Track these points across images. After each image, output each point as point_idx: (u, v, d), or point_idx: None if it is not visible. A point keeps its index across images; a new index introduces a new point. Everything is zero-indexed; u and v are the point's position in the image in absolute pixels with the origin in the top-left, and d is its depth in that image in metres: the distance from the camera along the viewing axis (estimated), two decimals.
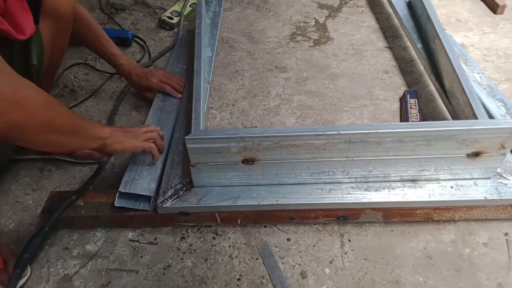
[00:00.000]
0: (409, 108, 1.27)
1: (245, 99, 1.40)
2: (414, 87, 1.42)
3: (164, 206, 0.93)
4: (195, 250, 0.95)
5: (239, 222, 0.98)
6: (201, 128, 0.90)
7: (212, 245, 0.96)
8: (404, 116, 1.28)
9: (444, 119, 1.29)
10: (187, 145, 0.86)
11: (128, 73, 1.24)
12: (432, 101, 1.36)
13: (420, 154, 0.89)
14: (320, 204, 0.92)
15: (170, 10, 1.76)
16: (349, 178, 0.94)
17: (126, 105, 1.36)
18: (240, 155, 0.89)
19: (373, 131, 0.84)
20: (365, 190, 0.94)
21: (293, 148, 0.87)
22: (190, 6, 1.80)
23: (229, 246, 0.96)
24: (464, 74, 1.11)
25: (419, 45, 1.41)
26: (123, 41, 1.56)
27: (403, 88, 1.43)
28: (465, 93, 1.05)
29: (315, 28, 1.75)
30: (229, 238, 0.98)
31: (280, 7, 1.90)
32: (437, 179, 0.95)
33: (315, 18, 1.81)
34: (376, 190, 0.94)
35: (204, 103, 1.12)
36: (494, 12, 1.82)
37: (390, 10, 1.82)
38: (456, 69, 1.13)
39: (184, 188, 0.96)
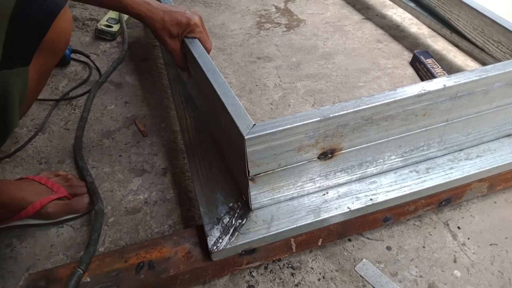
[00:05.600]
0: (430, 68, 1.12)
1: (241, 97, 1.14)
2: (416, 49, 1.28)
3: (220, 249, 0.63)
4: None
5: (319, 244, 0.71)
6: (252, 123, 0.62)
7: (296, 285, 0.68)
8: (428, 78, 1.12)
9: None
10: (247, 149, 0.58)
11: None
12: (444, 59, 1.24)
13: None
14: (423, 190, 0.70)
15: (106, 18, 1.42)
16: (445, 149, 0.73)
17: (91, 133, 1.00)
18: (317, 148, 0.63)
19: (483, 76, 0.64)
20: (466, 159, 0.74)
21: (386, 122, 0.64)
22: None
23: (319, 280, 0.68)
24: (494, 13, 0.99)
25: (411, 4, 1.28)
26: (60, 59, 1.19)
27: (406, 53, 1.29)
28: (510, 31, 0.92)
29: (280, 13, 1.55)
30: (312, 269, 0.70)
31: (230, 0, 1.67)
32: None
33: (274, 5, 1.61)
34: (479, 156, 0.74)
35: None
36: None
37: None
38: (482, 10, 1.00)
39: (237, 216, 0.67)
